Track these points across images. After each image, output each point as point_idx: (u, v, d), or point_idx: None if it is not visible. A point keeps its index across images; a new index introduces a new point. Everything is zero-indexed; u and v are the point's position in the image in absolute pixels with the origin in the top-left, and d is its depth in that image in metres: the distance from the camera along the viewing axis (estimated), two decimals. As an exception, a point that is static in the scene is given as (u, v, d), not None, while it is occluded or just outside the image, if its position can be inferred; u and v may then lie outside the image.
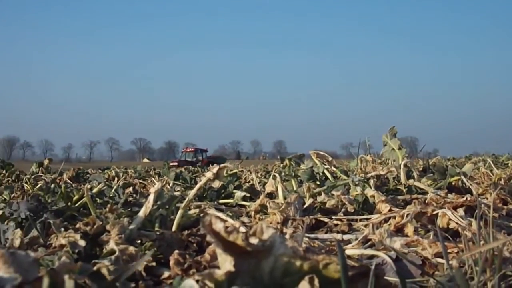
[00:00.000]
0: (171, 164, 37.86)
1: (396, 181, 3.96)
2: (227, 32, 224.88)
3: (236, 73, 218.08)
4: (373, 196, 2.88)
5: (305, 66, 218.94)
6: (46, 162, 8.59)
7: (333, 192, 3.12)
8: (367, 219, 2.56)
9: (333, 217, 2.66)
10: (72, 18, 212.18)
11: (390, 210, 2.53)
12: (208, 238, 0.96)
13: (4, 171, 7.48)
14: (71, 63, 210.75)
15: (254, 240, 0.96)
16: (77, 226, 1.93)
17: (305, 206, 2.84)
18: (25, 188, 5.04)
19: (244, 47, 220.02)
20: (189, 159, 49.44)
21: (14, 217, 2.49)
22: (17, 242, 1.99)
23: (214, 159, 49.54)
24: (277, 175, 3.52)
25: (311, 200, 2.95)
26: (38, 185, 4.94)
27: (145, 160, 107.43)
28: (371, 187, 3.22)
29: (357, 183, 3.31)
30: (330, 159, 4.58)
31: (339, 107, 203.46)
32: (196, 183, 4.28)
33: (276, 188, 3.34)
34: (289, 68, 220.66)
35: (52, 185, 4.50)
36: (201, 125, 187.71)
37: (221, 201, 3.80)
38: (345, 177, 3.87)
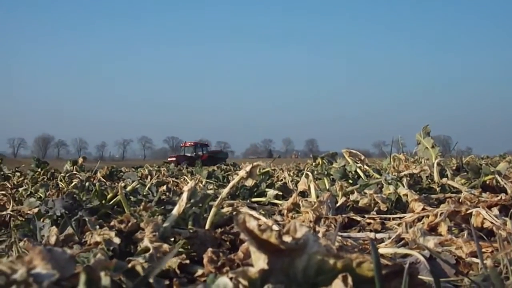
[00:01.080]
0: (169, 159, 37.01)
1: (429, 180, 3.91)
2: (258, 28, 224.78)
3: (269, 71, 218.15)
4: (406, 195, 2.86)
5: (335, 65, 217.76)
6: (80, 160, 8.69)
7: (366, 190, 3.10)
8: (400, 218, 2.54)
9: (366, 215, 2.64)
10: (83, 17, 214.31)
11: (423, 209, 2.50)
12: (242, 236, 0.97)
13: (39, 169, 7.58)
14: (100, 64, 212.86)
15: (287, 238, 0.96)
16: (112, 223, 1.94)
17: (337, 204, 2.82)
18: (60, 186, 5.11)
19: (273, 45, 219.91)
20: (189, 154, 48.34)
21: (50, 215, 2.54)
22: (52, 239, 2.02)
23: (215, 154, 48.78)
24: (309, 173, 3.52)
25: (343, 198, 2.93)
26: (73, 183, 5.01)
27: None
28: (404, 186, 3.19)
29: (390, 181, 3.28)
30: (362, 157, 4.56)
31: (371, 105, 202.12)
32: (228, 182, 4.30)
33: (309, 186, 3.33)
34: (321, 66, 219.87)
35: (87, 183, 4.57)
36: (233, 124, 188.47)
37: (253, 199, 3.79)
38: (378, 176, 3.84)
